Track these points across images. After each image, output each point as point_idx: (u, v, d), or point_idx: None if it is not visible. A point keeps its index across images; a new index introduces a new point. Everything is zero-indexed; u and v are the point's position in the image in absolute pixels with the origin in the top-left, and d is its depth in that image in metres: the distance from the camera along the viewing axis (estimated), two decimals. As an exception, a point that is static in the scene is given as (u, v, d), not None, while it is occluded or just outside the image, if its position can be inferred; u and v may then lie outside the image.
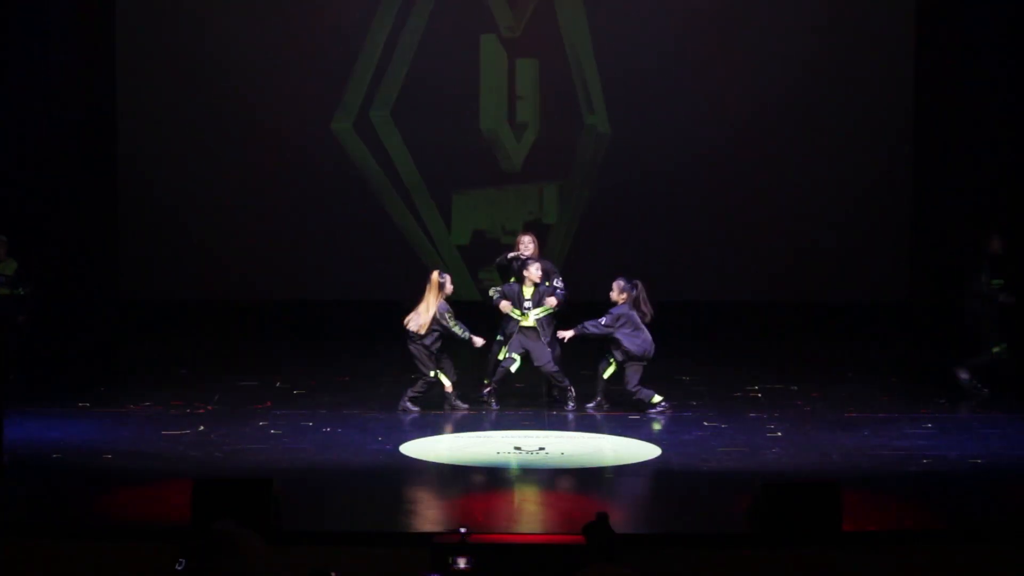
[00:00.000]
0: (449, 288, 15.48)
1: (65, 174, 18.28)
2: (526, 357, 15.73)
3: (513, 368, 15.69)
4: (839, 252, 19.10)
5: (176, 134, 19.05)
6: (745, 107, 19.01)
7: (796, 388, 16.66)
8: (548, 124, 19.17)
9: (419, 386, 15.52)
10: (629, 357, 15.45)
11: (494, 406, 15.63)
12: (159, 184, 19.09)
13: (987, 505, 12.34)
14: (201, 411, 15.47)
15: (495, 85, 19.20)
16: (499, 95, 19.21)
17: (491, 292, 15.95)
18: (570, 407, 15.59)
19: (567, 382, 15.65)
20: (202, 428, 14.75)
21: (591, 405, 15.62)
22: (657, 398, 15.48)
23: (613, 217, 19.26)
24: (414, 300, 15.55)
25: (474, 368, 16.06)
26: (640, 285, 15.57)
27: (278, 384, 16.73)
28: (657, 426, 15.09)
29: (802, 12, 18.98)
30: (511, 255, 16.10)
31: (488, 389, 15.72)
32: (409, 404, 15.49)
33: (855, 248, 19.08)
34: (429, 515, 12.41)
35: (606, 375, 15.57)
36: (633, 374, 15.48)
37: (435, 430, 14.84)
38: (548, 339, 15.70)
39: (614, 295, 15.56)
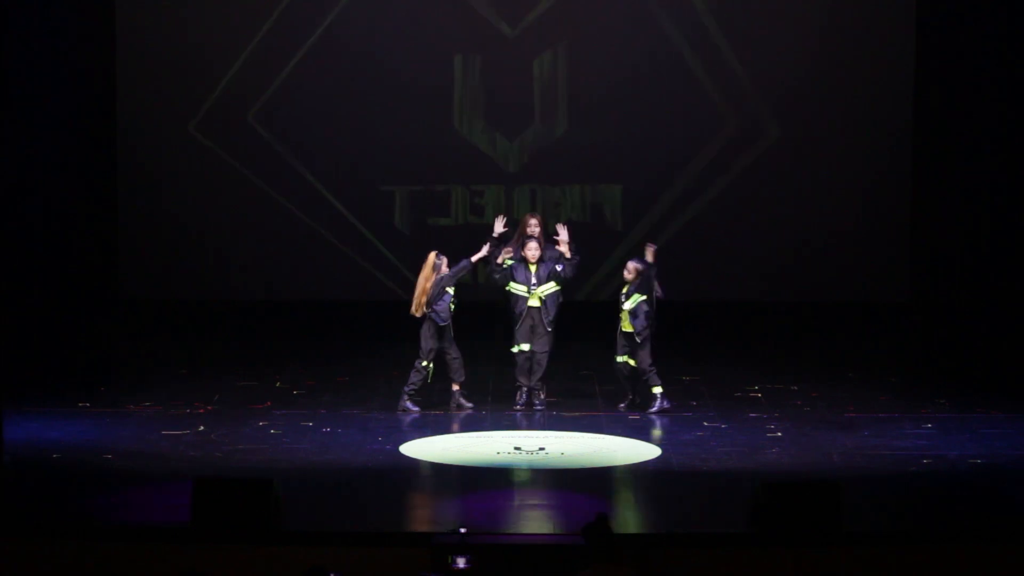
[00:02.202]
0: (444, 270, 15.50)
1: (65, 174, 18.25)
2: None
3: (523, 356, 15.62)
4: (839, 252, 19.06)
5: (176, 134, 19.02)
6: (744, 107, 18.98)
7: (796, 388, 16.65)
8: (547, 124, 19.13)
9: (412, 378, 15.48)
10: (647, 327, 15.35)
11: (538, 405, 15.57)
12: (159, 184, 19.06)
13: (987, 505, 12.34)
14: (201, 411, 15.47)
15: (499, 85, 19.18)
16: (500, 96, 19.19)
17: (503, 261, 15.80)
18: (538, 404, 15.54)
19: (541, 385, 15.61)
20: (202, 428, 14.75)
21: (623, 404, 15.58)
22: (659, 389, 15.43)
23: (612, 218, 19.22)
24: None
25: (482, 369, 16.01)
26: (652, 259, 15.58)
27: (278, 384, 16.72)
28: (657, 428, 15.09)
29: (802, 12, 18.95)
30: (507, 250, 15.92)
31: (523, 396, 15.66)
32: (409, 404, 15.48)
33: (855, 248, 19.04)
34: (429, 515, 12.42)
35: (629, 373, 15.50)
36: (648, 350, 15.41)
37: (435, 430, 14.84)
38: (551, 318, 15.63)
39: (629, 276, 15.52)
